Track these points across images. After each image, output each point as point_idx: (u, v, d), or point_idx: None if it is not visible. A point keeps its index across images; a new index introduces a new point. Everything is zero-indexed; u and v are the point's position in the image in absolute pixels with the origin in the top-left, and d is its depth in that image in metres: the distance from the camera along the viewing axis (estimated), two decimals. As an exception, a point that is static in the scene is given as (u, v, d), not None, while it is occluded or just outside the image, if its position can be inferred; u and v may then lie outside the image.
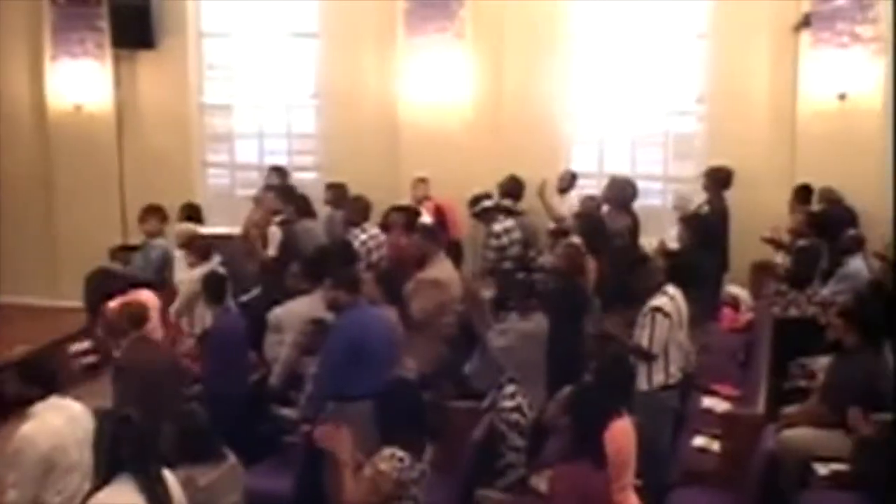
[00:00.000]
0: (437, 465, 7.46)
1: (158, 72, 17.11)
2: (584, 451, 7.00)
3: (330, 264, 10.70)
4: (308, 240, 13.36)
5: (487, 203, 13.90)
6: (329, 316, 9.91)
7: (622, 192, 14.47)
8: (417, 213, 13.81)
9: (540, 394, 9.90)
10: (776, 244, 14.11)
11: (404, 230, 12.87)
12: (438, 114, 15.93)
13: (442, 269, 11.64)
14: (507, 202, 14.37)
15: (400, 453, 6.96)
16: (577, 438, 7.14)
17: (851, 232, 13.30)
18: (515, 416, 9.39)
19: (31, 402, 7.72)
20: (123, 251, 13.99)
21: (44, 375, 7.99)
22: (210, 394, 10.00)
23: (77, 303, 13.18)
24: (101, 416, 7.32)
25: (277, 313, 10.84)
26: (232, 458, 7.75)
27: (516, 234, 13.61)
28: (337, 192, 14.93)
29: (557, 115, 16.18)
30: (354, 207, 13.93)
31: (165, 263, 13.30)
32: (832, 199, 14.06)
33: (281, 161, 17.31)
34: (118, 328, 10.18)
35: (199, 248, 12.32)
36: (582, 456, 6.98)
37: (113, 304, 10.80)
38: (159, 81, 17.14)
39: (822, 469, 9.25)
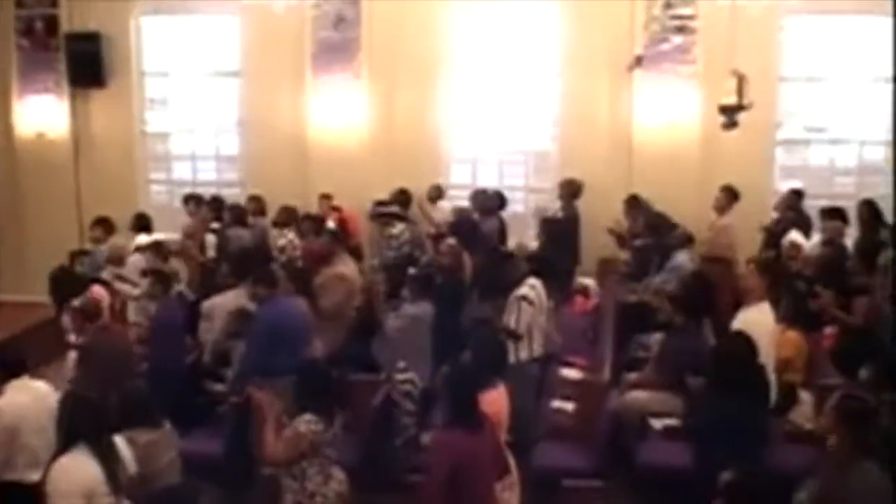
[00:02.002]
0: (344, 428, 7.46)
1: (108, 105, 16.90)
2: (459, 420, 6.97)
3: (251, 264, 10.65)
4: (238, 244, 13.31)
5: (387, 209, 13.95)
6: (252, 306, 9.86)
7: (487, 201, 14.53)
8: (324, 221, 13.77)
9: (427, 367, 9.91)
10: (617, 235, 14.25)
11: (314, 235, 12.84)
12: (340, 138, 15.86)
13: (345, 266, 11.61)
14: (396, 210, 14.38)
15: (314, 418, 6.95)
16: (453, 408, 7.12)
17: (678, 231, 13.48)
18: (407, 387, 9.39)
19: (2, 381, 7.63)
20: (80, 254, 13.78)
21: (14, 360, 7.89)
22: (154, 371, 9.93)
23: (43, 298, 12.94)
24: (63, 395, 7.21)
25: (209, 304, 10.75)
26: (167, 425, 7.72)
27: (406, 237, 13.62)
28: (257, 204, 14.95)
29: (438, 137, 16.19)
30: (283, 214, 13.99)
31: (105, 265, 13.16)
32: (649, 207, 14.21)
33: (210, 178, 17.39)
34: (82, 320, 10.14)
35: (161, 252, 12.31)
36: (458, 423, 6.96)
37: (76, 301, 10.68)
38: (109, 113, 16.93)
39: (657, 424, 9.39)
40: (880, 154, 15.62)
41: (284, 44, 15.94)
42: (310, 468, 6.94)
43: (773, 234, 13.53)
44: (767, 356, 8.81)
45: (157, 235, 13.87)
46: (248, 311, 9.89)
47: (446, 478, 6.75)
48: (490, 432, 7.12)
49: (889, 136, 15.17)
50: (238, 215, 14.34)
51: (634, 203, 14.32)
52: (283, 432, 7.04)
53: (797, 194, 14.33)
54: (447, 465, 6.81)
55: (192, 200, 14.90)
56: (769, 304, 9.49)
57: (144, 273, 11.54)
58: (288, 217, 13.90)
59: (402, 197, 14.87)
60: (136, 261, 12.50)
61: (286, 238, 13.38)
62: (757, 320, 9.17)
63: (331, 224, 14.03)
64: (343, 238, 12.62)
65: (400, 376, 9.48)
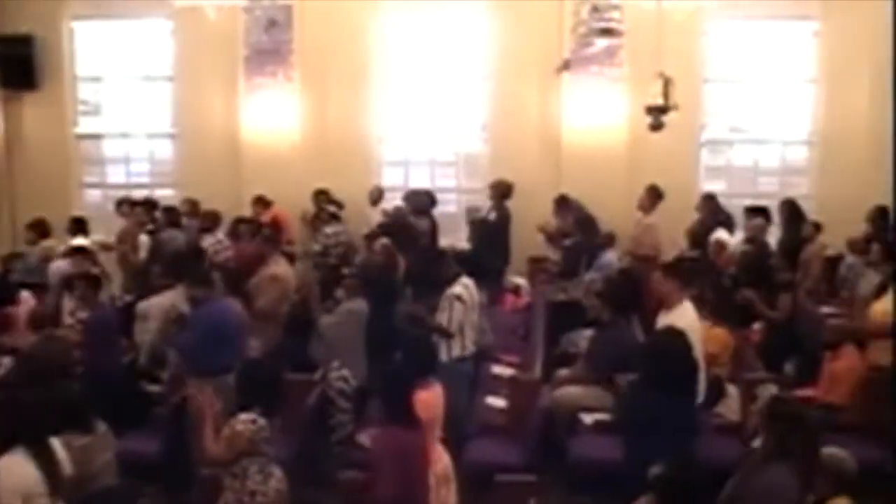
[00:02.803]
0: (281, 427, 7.40)
1: (41, 108, 16.72)
2: (394, 417, 6.95)
3: (186, 265, 10.54)
4: (172, 246, 13.18)
5: (327, 208, 13.91)
6: (186, 307, 9.76)
7: (419, 201, 14.53)
8: (260, 224, 13.68)
9: (361, 365, 9.87)
10: (546, 233, 14.27)
11: (249, 237, 12.76)
12: (273, 140, 15.79)
13: (279, 266, 11.55)
14: (333, 210, 14.35)
15: (252, 417, 6.89)
16: (388, 406, 7.09)
17: (605, 231, 13.56)
18: (341, 385, 9.32)
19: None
20: (12, 258, 13.60)
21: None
22: (90, 374, 9.77)
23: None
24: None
25: (144, 305, 10.61)
26: (103, 427, 7.61)
27: (342, 238, 13.60)
28: (191, 206, 14.82)
29: (370, 139, 16.21)
30: (207, 218, 13.86)
31: (39, 267, 13.02)
32: (579, 207, 14.27)
33: (144, 181, 17.29)
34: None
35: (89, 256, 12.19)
36: (394, 421, 6.93)
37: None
38: (42, 116, 16.75)
39: (587, 419, 9.38)
40: (802, 154, 15.84)
41: (217, 48, 15.85)
42: (251, 466, 6.87)
43: (696, 235, 13.65)
44: (695, 352, 8.83)
45: (94, 238, 13.75)
46: (184, 312, 9.79)
47: (389, 473, 6.73)
48: (422, 429, 7.10)
49: (809, 138, 15.44)
50: (172, 217, 14.21)
51: (563, 203, 14.37)
52: (222, 432, 6.98)
53: (711, 198, 14.51)
54: (388, 461, 6.78)
55: (125, 204, 14.75)
56: (690, 303, 9.50)
57: (73, 277, 11.36)
58: (213, 221, 13.78)
59: (336, 199, 14.84)
60: (60, 265, 12.35)
61: (215, 238, 13.26)
62: (680, 323, 9.17)
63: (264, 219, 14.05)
64: (276, 239, 12.54)
65: (334, 374, 9.42)
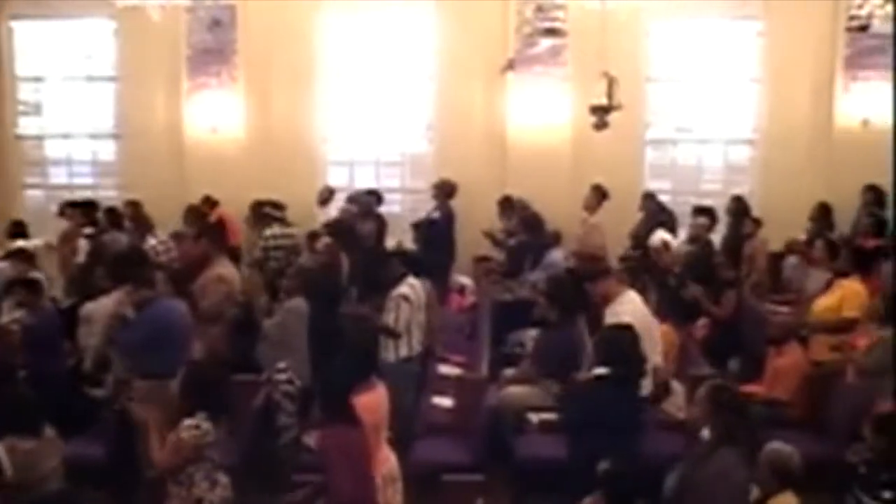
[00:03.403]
0: (227, 430, 7.33)
1: (-21, 109, 16.53)
2: (336, 416, 6.89)
3: (129, 267, 10.42)
4: (114, 247, 13.02)
5: (268, 210, 13.83)
6: (130, 310, 9.65)
7: (365, 201, 14.48)
8: (204, 224, 13.55)
9: (305, 366, 9.82)
10: (492, 238, 14.28)
11: (193, 238, 12.63)
12: (218, 141, 15.73)
13: (224, 268, 11.42)
14: (276, 213, 14.26)
15: (197, 422, 6.81)
16: (329, 406, 7.04)
17: (551, 231, 13.60)
18: (287, 387, 9.27)
19: None
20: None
21: None
22: (33, 378, 9.66)
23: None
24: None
25: (88, 308, 10.48)
26: (50, 432, 7.55)
27: (283, 241, 13.53)
28: (134, 208, 14.63)
29: (315, 140, 16.18)
30: (142, 221, 13.77)
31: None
32: (524, 206, 14.29)
33: (87, 182, 17.13)
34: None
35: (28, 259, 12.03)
36: (336, 420, 6.87)
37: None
38: (-20, 117, 16.58)
39: (534, 418, 9.38)
40: (745, 153, 15.96)
41: (160, 48, 15.74)
42: (196, 473, 6.81)
43: (639, 235, 13.72)
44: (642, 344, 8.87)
45: (38, 239, 13.60)
46: (127, 315, 9.68)
47: (338, 473, 6.68)
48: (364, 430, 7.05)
49: (753, 136, 15.57)
50: (114, 219, 14.06)
51: (508, 203, 14.40)
52: (167, 438, 6.90)
53: (651, 197, 14.63)
54: (335, 460, 6.73)
55: (67, 206, 14.59)
56: (633, 293, 9.54)
57: (12, 281, 11.20)
58: (146, 225, 13.66)
59: (279, 201, 14.74)
60: (2, 268, 12.20)
61: (157, 239, 13.14)
62: (629, 310, 9.22)
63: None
64: (221, 240, 12.44)
65: (279, 376, 9.37)
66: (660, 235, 12.72)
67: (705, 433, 6.07)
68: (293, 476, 8.21)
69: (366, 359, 7.79)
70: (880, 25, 14.83)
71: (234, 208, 15.07)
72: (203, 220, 13.37)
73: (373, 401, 7.43)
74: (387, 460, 7.48)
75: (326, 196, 15.29)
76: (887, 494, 6.68)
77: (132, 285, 9.52)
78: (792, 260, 13.55)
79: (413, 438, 9.22)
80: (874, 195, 14.16)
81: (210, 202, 14.95)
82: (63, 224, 14.21)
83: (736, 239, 13.64)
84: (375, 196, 14.78)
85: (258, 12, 15.54)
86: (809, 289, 11.60)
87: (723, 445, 6.12)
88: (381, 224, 14.48)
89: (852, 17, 14.94)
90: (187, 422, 6.83)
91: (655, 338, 9.23)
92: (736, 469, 6.10)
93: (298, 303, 10.29)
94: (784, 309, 11.79)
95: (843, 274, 10.37)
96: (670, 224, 13.75)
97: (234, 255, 12.96)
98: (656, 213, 14.17)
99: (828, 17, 15.09)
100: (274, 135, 15.81)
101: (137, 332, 9.10)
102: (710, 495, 5.89)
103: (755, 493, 6.47)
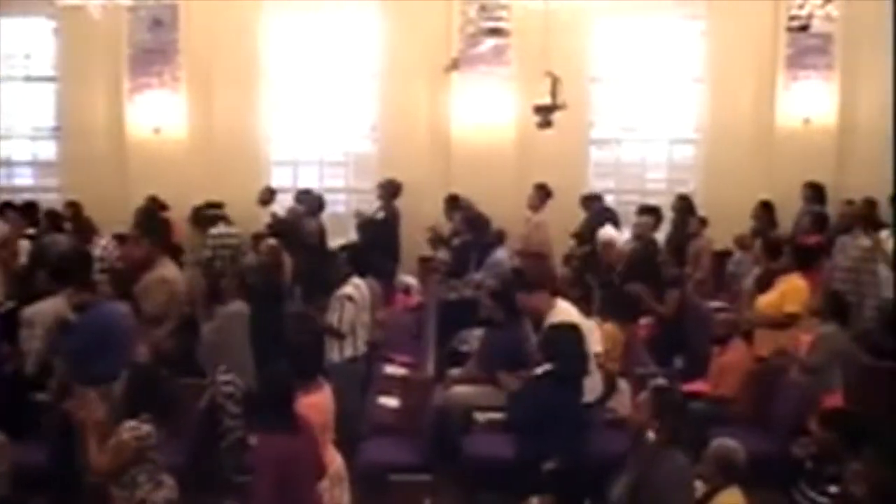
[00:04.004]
0: (172, 432, 7.27)
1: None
2: (276, 422, 6.84)
3: (71, 270, 10.32)
4: (55, 250, 12.89)
5: (211, 211, 13.74)
6: (71, 313, 9.56)
7: (310, 201, 14.43)
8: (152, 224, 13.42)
9: (249, 368, 9.75)
10: (438, 235, 14.27)
11: (135, 239, 12.52)
12: (160, 142, 15.59)
13: (167, 269, 11.32)
14: (219, 212, 14.19)
15: (139, 424, 6.74)
16: (269, 411, 7.00)
17: (495, 230, 13.62)
18: (230, 389, 9.21)
19: None
20: None
21: None
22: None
23: None
24: None
25: (30, 312, 10.33)
26: (1, 437, 7.50)
27: (229, 241, 13.45)
28: (75, 210, 14.50)
29: (259, 140, 16.09)
30: (82, 223, 13.61)
31: None
32: (468, 206, 14.30)
33: (27, 183, 17.02)
34: None
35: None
36: (276, 426, 6.82)
37: None
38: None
39: (480, 417, 9.40)
40: (689, 152, 16.07)
41: (101, 47, 15.57)
42: (139, 476, 6.73)
43: (583, 234, 13.77)
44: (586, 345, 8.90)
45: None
46: (69, 318, 9.58)
47: (273, 480, 6.63)
48: (309, 433, 7.00)
49: (696, 135, 15.69)
50: (54, 221, 13.91)
51: (455, 202, 14.40)
52: (108, 442, 6.82)
53: (595, 198, 14.71)
54: (272, 466, 6.68)
55: (7, 208, 14.42)
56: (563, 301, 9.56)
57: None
58: (89, 230, 13.50)
59: (221, 202, 14.67)
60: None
61: (99, 246, 13.01)
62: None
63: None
64: (164, 241, 12.33)
65: (222, 378, 9.31)
66: (607, 231, 12.78)
67: (650, 435, 6.08)
68: (237, 478, 8.17)
69: (310, 359, 7.77)
70: (820, 25, 15.02)
71: (176, 209, 14.88)
72: (156, 220, 13.25)
73: (319, 401, 7.41)
74: (333, 461, 7.46)
75: (267, 197, 15.20)
76: (832, 489, 6.74)
77: (74, 288, 9.45)
78: (738, 255, 13.66)
79: (359, 439, 9.19)
80: (814, 192, 14.32)
81: (157, 203, 14.80)
82: (3, 226, 14.03)
83: (680, 237, 13.72)
84: (317, 196, 14.70)
85: (200, 12, 15.42)
86: (749, 285, 11.71)
87: (669, 447, 6.14)
88: (322, 225, 14.43)
89: (793, 18, 15.11)
90: (128, 424, 6.76)
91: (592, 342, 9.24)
92: (685, 469, 6.13)
93: (238, 306, 10.19)
94: (728, 307, 11.92)
95: (785, 270, 10.45)
96: (615, 223, 13.80)
97: (177, 257, 12.87)
98: (600, 212, 14.21)
99: (769, 17, 15.24)
100: (217, 135, 15.70)
101: (79, 336, 9.02)
102: (663, 497, 5.91)
103: (701, 488, 6.52)
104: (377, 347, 11.11)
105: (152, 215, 13.33)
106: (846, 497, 6.37)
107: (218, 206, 14.56)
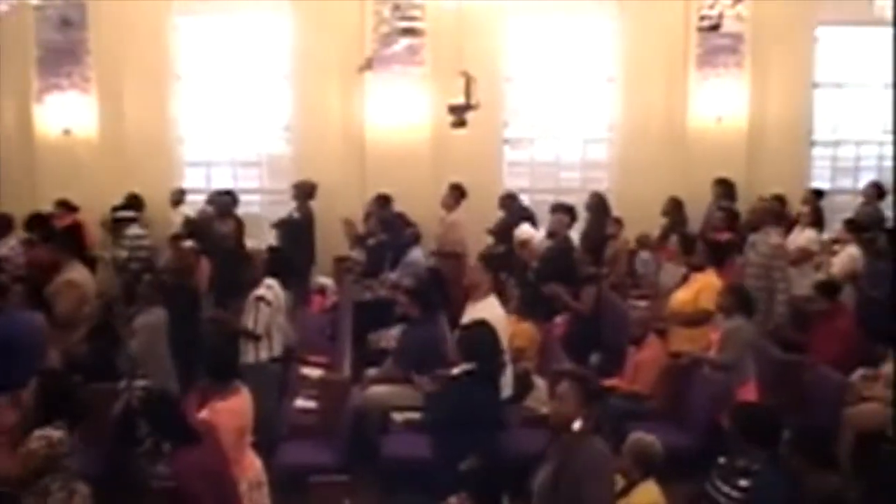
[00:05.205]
0: (86, 439, 7.17)
1: None
2: (177, 438, 6.79)
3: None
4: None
5: (123, 213, 13.59)
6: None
7: (224, 202, 14.32)
8: (51, 228, 13.24)
9: (168, 373, 9.67)
10: (353, 230, 14.22)
11: (42, 242, 12.34)
12: (70, 143, 15.34)
13: (77, 272, 11.19)
14: (133, 214, 14.05)
15: (49, 432, 6.62)
16: (160, 428, 6.97)
17: (410, 230, 13.65)
18: (143, 395, 9.12)
19: None
20: None
21: None
22: None
23: None
24: None
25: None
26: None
27: (145, 242, 13.33)
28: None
29: (171, 141, 15.92)
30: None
31: None
32: (383, 206, 14.32)
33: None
34: None
35: None
36: (179, 441, 6.77)
37: None
38: None
39: (398, 417, 9.45)
40: (603, 150, 16.21)
41: (8, 47, 15.24)
42: (52, 484, 6.62)
43: (499, 232, 13.83)
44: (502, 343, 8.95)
45: None
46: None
47: (200, 490, 6.58)
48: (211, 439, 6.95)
49: (609, 133, 15.84)
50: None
51: (384, 202, 14.36)
52: (17, 451, 6.71)
53: (512, 197, 14.82)
54: (195, 479, 6.63)
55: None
56: (496, 298, 9.62)
57: None
58: (6, 226, 13.27)
59: (136, 201, 14.52)
60: None
61: (7, 246, 12.80)
62: (487, 315, 9.28)
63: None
64: (73, 244, 12.16)
65: (139, 383, 9.22)
66: (524, 229, 12.85)
67: (577, 424, 6.11)
68: (153, 484, 8.09)
69: (225, 363, 7.72)
70: (731, 24, 15.25)
71: (88, 211, 14.70)
72: (45, 226, 13.06)
73: (236, 405, 7.38)
74: (252, 465, 7.43)
75: (178, 198, 15.10)
76: (743, 482, 6.85)
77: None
78: (643, 255, 13.86)
79: (277, 441, 9.17)
80: (724, 189, 14.55)
81: (66, 206, 14.60)
82: None
83: (595, 235, 13.84)
84: (231, 197, 14.60)
85: (110, 11, 15.17)
86: (663, 282, 11.85)
87: (592, 435, 6.18)
88: (239, 225, 14.34)
89: (703, 17, 15.32)
90: (37, 432, 6.64)
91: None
92: (605, 455, 6.17)
93: (156, 314, 10.08)
94: (642, 304, 12.06)
95: (699, 267, 10.57)
96: (531, 221, 13.87)
97: (90, 259, 12.71)
98: (518, 211, 14.29)
99: (680, 16, 15.44)
100: (128, 136, 15.50)
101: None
102: (583, 485, 5.94)
103: (620, 482, 6.58)
104: (293, 349, 11.08)
105: (40, 222, 13.17)
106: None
107: (136, 198, 14.43)
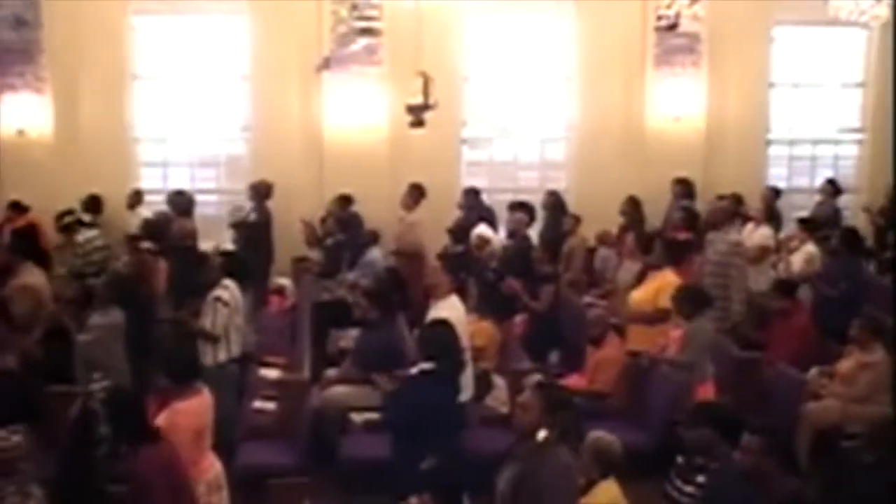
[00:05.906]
0: (42, 442, 7.12)
1: None
2: (136, 438, 6.75)
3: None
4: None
5: (70, 218, 13.46)
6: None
7: (182, 202, 14.23)
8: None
9: (125, 374, 9.59)
10: (311, 231, 14.16)
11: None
12: (24, 144, 15.21)
13: (31, 275, 11.10)
14: (88, 216, 13.93)
15: (7, 435, 6.58)
16: (120, 429, 6.93)
17: (368, 229, 13.65)
18: (104, 395, 9.06)
19: None
20: None
21: None
22: None
23: None
24: None
25: None
26: None
27: (98, 243, 13.23)
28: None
29: (128, 141, 15.81)
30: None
31: None
32: (341, 206, 14.30)
33: None
34: None
35: None
36: (138, 441, 6.73)
37: None
38: None
39: (357, 418, 9.44)
40: (561, 150, 16.26)
41: (-39, 47, 15.17)
42: (7, 487, 6.58)
43: (459, 231, 13.83)
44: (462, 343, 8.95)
45: None
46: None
47: (160, 490, 6.54)
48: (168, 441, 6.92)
49: (567, 133, 15.88)
50: None
51: (346, 202, 14.33)
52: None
53: (474, 193, 14.79)
54: (154, 480, 6.59)
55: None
56: (457, 297, 9.62)
57: None
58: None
59: (93, 203, 14.44)
60: None
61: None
62: (449, 314, 9.28)
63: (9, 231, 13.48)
64: (27, 246, 12.05)
65: (96, 385, 9.15)
66: (480, 230, 12.86)
67: (542, 434, 6.11)
68: (111, 487, 8.05)
69: (184, 364, 7.68)
70: (688, 24, 15.34)
71: (43, 212, 14.57)
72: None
73: (195, 406, 7.34)
74: (211, 467, 7.40)
75: (134, 200, 15.00)
76: (700, 478, 6.88)
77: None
78: (603, 252, 13.90)
79: (236, 443, 9.14)
80: (684, 188, 14.62)
81: (17, 208, 14.48)
82: None
83: (553, 233, 13.90)
84: (186, 197, 14.50)
85: (64, 10, 15.06)
86: (622, 280, 11.88)
87: (557, 444, 6.19)
88: (195, 226, 14.26)
89: (660, 17, 15.41)
90: (-9, 435, 6.60)
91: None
92: (570, 467, 6.19)
93: (112, 317, 9.99)
94: (601, 303, 12.10)
95: (657, 266, 10.62)
96: (490, 220, 13.89)
97: (45, 262, 12.60)
98: (477, 209, 14.30)
99: (637, 16, 15.53)
100: (84, 136, 15.37)
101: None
102: (548, 494, 5.95)
103: (579, 481, 6.60)
104: (252, 350, 11.04)
105: None
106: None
107: (95, 200, 14.34)
